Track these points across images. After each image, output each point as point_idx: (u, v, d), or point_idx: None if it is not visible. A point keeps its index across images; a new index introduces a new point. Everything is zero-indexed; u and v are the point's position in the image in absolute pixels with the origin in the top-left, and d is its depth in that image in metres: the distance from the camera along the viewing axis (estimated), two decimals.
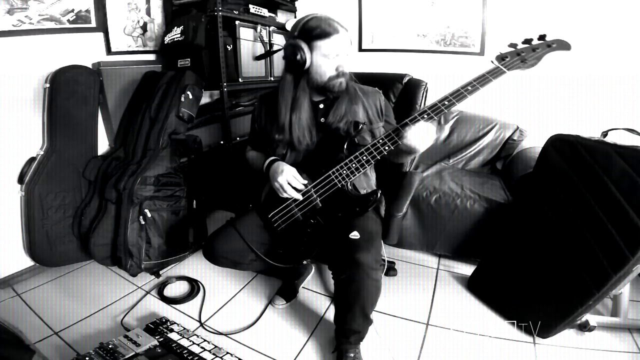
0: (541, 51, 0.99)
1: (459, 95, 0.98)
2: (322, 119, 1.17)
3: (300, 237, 1.16)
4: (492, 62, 1.00)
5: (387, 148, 1.03)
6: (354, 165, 1.06)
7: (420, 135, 0.99)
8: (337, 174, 1.08)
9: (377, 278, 1.04)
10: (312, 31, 1.07)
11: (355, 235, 1.05)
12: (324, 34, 1.06)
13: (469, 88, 0.98)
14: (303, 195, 1.12)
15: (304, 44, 1.07)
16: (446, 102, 0.99)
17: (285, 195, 1.12)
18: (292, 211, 1.14)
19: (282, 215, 1.16)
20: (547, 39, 1.00)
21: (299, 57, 1.07)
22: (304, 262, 1.53)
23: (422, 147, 1.02)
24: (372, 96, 1.22)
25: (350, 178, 1.07)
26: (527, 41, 1.01)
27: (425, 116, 1.00)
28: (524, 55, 0.99)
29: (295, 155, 1.19)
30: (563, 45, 1.00)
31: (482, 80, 0.98)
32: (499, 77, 0.98)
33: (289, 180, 1.10)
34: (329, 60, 1.08)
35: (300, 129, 1.14)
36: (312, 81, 1.12)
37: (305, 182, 1.12)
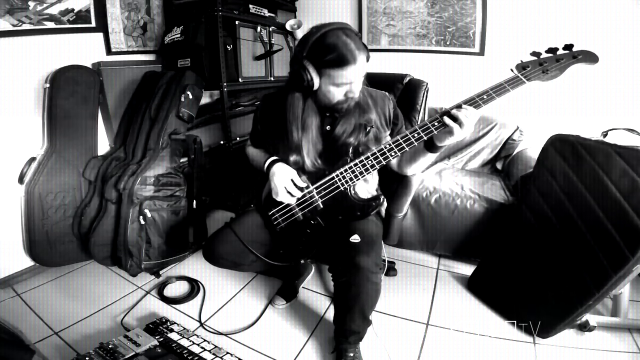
0: (565, 62, 0.92)
1: (473, 104, 0.93)
2: (328, 127, 1.13)
3: (299, 237, 1.16)
4: (511, 70, 0.93)
5: (393, 154, 1.01)
6: (358, 169, 1.05)
7: (466, 117, 0.91)
8: (340, 176, 1.07)
9: (377, 281, 1.03)
10: (325, 55, 0.94)
11: (355, 238, 1.04)
12: (338, 63, 0.94)
13: (485, 97, 0.92)
14: (304, 195, 1.12)
15: (313, 68, 0.97)
16: None
17: (279, 198, 1.10)
18: (293, 210, 1.14)
19: (283, 214, 1.16)
20: (574, 49, 0.93)
21: (305, 82, 0.98)
22: (302, 261, 1.53)
23: (462, 133, 0.93)
24: (381, 102, 1.17)
25: (354, 182, 1.06)
26: (552, 50, 0.94)
27: (436, 123, 0.96)
28: (546, 65, 0.92)
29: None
30: (590, 58, 0.93)
31: (499, 90, 0.92)
32: (518, 88, 0.92)
33: (286, 185, 1.09)
34: (339, 88, 1.00)
35: (310, 145, 1.10)
36: (319, 101, 1.08)
37: (305, 185, 1.11)
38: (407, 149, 1.00)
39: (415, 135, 0.98)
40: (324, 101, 1.06)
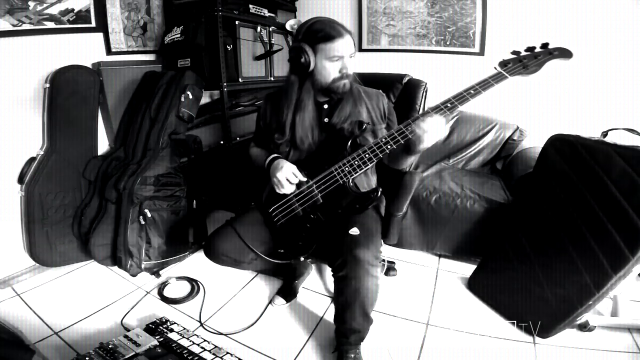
0: (543, 58, 1.01)
1: (461, 98, 0.99)
2: (326, 119, 1.18)
3: (299, 232, 1.17)
4: (495, 68, 1.02)
5: (389, 147, 1.04)
6: (356, 162, 1.07)
7: (430, 126, 0.98)
8: (339, 170, 1.08)
9: (377, 275, 1.04)
10: (316, 34, 1.09)
11: (354, 231, 1.06)
12: (328, 37, 1.07)
13: (472, 92, 0.99)
14: (303, 190, 1.12)
15: (308, 46, 1.09)
16: (449, 105, 1.00)
17: (281, 191, 1.13)
18: (293, 206, 1.15)
19: (283, 209, 1.16)
20: (550, 46, 1.03)
21: (303, 59, 1.09)
22: (302, 259, 1.54)
23: (429, 140, 1.00)
24: (376, 98, 1.24)
25: (352, 175, 1.08)
26: (530, 49, 1.04)
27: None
28: (525, 61, 1.01)
29: (299, 154, 1.20)
30: (565, 53, 1.02)
31: (485, 84, 1.00)
32: (501, 82, 1.00)
33: (287, 176, 1.11)
34: (332, 62, 1.10)
35: (304, 129, 1.16)
36: (316, 83, 1.14)
37: (304, 179, 1.12)
38: (402, 141, 1.03)
39: (409, 128, 1.02)
40: (321, 80, 1.13)
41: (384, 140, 1.04)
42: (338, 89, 1.13)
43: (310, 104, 1.17)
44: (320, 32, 1.08)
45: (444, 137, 1.03)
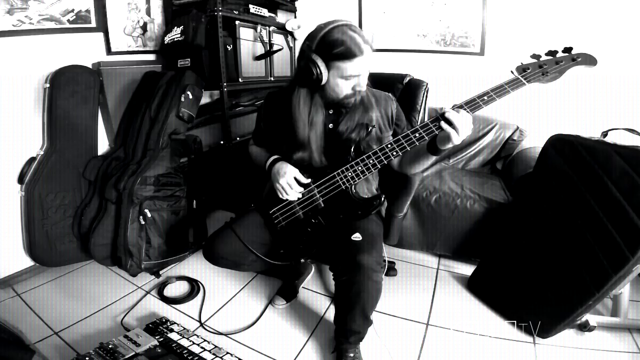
0: (565, 65, 0.94)
1: (474, 105, 0.94)
2: (331, 125, 1.14)
3: (300, 236, 1.16)
4: (512, 72, 0.95)
5: (395, 153, 1.01)
6: (359, 168, 1.05)
7: (461, 122, 0.90)
8: (342, 175, 1.07)
9: (378, 280, 1.03)
10: (333, 49, 0.96)
11: (357, 237, 1.05)
12: (347, 56, 0.96)
13: (485, 98, 0.93)
14: (305, 194, 1.12)
15: (321, 61, 0.98)
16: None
17: (284, 197, 1.11)
18: (294, 209, 1.14)
19: (284, 212, 1.16)
20: (573, 52, 0.96)
21: (314, 75, 0.99)
22: (302, 261, 1.54)
23: (459, 137, 0.92)
24: (384, 103, 1.18)
25: (356, 181, 1.06)
26: (551, 53, 0.96)
27: (438, 124, 0.95)
28: (546, 67, 0.94)
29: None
30: (589, 60, 0.95)
31: (500, 91, 0.93)
32: (518, 89, 0.93)
33: (290, 182, 1.09)
34: (347, 81, 1.01)
35: (317, 140, 1.11)
36: (326, 97, 1.08)
37: (308, 181, 1.11)
38: (408, 148, 1.00)
39: (417, 135, 0.98)
40: (332, 96, 1.06)
41: (389, 146, 1.01)
42: (348, 105, 1.07)
43: (321, 119, 1.10)
44: (339, 46, 0.95)
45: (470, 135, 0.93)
